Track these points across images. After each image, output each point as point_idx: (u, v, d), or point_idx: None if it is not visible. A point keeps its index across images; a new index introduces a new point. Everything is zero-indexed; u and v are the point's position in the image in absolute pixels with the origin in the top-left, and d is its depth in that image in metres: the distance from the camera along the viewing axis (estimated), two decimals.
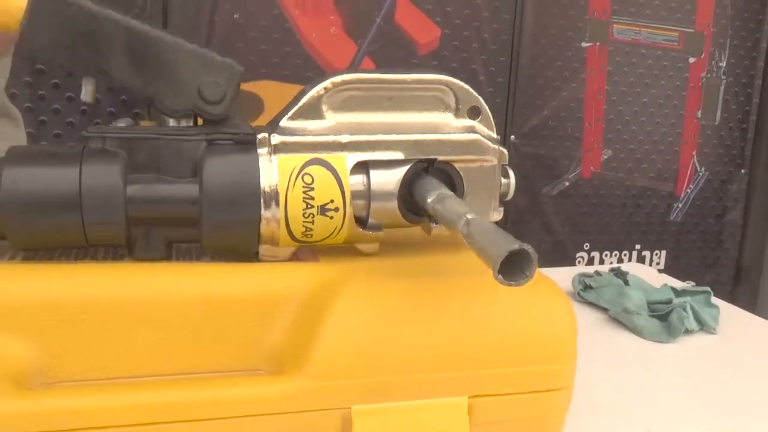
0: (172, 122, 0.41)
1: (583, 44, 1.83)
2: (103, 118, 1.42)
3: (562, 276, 0.84)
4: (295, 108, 0.41)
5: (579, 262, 1.94)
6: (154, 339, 0.38)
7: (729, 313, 0.76)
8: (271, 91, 1.49)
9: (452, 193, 0.40)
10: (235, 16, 1.47)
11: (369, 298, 0.39)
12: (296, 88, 1.61)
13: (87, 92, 0.40)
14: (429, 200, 0.39)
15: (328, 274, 0.41)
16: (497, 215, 0.45)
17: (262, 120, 0.44)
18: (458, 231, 0.35)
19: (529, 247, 0.31)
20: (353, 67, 1.59)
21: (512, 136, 1.78)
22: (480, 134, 0.43)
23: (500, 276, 0.32)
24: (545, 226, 1.89)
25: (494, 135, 0.44)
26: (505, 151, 0.44)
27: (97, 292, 0.37)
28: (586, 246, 1.94)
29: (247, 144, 0.40)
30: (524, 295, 0.41)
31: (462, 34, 1.67)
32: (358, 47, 1.59)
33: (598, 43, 1.84)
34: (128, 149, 0.39)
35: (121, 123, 0.41)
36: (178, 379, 0.38)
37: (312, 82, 0.41)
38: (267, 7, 1.50)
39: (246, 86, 1.51)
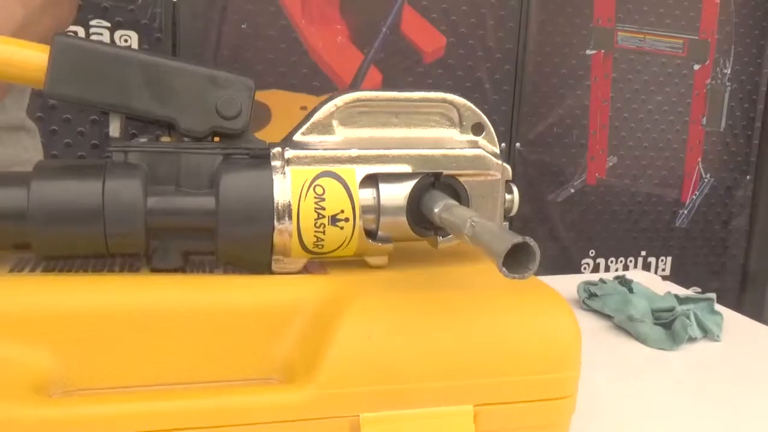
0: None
1: (588, 52, 1.84)
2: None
3: (568, 283, 0.84)
4: (308, 124, 0.43)
5: (584, 268, 1.94)
6: (169, 349, 0.39)
7: (733, 320, 0.76)
8: (278, 100, 1.51)
9: (459, 204, 0.41)
10: (243, 26, 1.49)
11: (377, 310, 0.40)
12: (303, 97, 1.64)
13: (114, 128, 0.42)
14: (436, 210, 0.40)
15: (338, 286, 0.42)
16: None
17: (270, 128, 0.46)
18: (464, 234, 0.36)
19: (532, 240, 0.32)
20: (359, 76, 1.60)
21: (518, 144, 1.79)
22: (484, 149, 0.44)
23: (504, 269, 0.32)
24: (551, 232, 1.90)
25: (497, 151, 0.45)
26: (508, 167, 0.45)
27: (114, 303, 0.39)
28: (592, 252, 1.95)
29: (262, 158, 0.41)
30: (528, 306, 0.42)
31: (467, 42, 1.69)
32: (364, 56, 1.60)
33: (602, 51, 1.85)
34: (149, 163, 0.41)
35: (143, 139, 0.43)
36: (192, 388, 0.38)
37: (324, 100, 0.43)
38: (274, 18, 1.51)
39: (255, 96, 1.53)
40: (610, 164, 1.92)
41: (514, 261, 0.32)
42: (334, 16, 1.57)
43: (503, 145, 1.76)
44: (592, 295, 0.80)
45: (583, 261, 1.95)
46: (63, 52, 0.40)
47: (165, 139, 0.43)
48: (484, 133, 0.45)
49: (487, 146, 0.45)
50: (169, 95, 0.41)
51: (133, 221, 0.39)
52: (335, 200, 0.41)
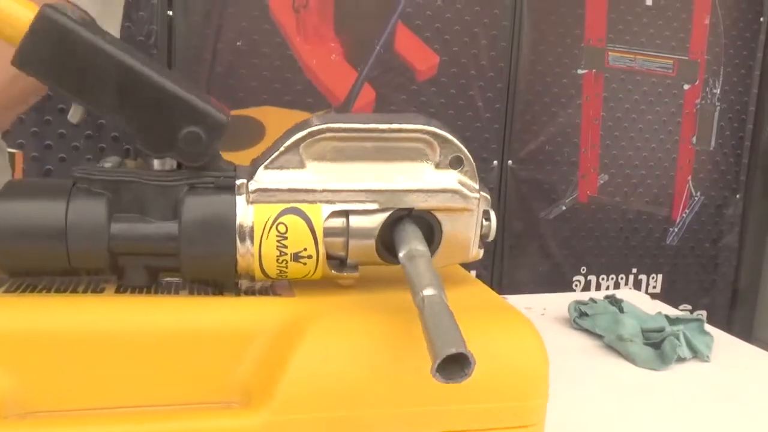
0: (157, 165, 0.41)
1: (579, 71, 1.86)
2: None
3: (559, 302, 0.85)
4: (273, 155, 0.41)
5: (576, 285, 1.95)
6: (128, 371, 0.38)
7: (722, 340, 0.77)
8: (272, 117, 1.52)
9: (424, 249, 0.39)
10: (238, 43, 1.50)
11: (338, 333, 0.39)
12: (297, 114, 1.66)
13: (74, 114, 0.41)
14: (401, 254, 0.40)
15: (302, 308, 0.41)
16: (477, 256, 0.45)
17: (264, 144, 0.45)
18: (414, 302, 0.35)
19: (468, 351, 0.32)
20: (353, 94, 1.62)
21: (509, 161, 1.80)
22: (461, 184, 0.43)
23: (437, 374, 0.32)
24: (542, 249, 1.91)
25: (476, 185, 0.43)
26: (487, 196, 0.44)
27: (73, 324, 0.38)
28: (583, 270, 1.96)
29: (227, 189, 0.41)
30: (495, 331, 0.41)
31: (460, 61, 1.70)
32: (358, 74, 1.61)
33: (594, 70, 1.87)
34: (114, 190, 0.40)
35: (108, 163, 0.41)
36: (148, 411, 0.38)
37: (292, 128, 0.41)
38: (269, 35, 1.53)
39: (248, 112, 1.54)
40: (601, 182, 1.94)
41: (450, 359, 0.32)
42: (328, 34, 1.59)
43: (495, 162, 1.78)
44: (582, 315, 0.81)
45: (575, 278, 1.95)
46: (44, 24, 0.38)
47: (130, 163, 0.42)
48: (463, 166, 0.43)
49: (466, 180, 0.43)
50: (135, 105, 0.40)
51: (96, 243, 0.39)
52: (298, 239, 0.40)
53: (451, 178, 0.42)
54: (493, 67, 1.74)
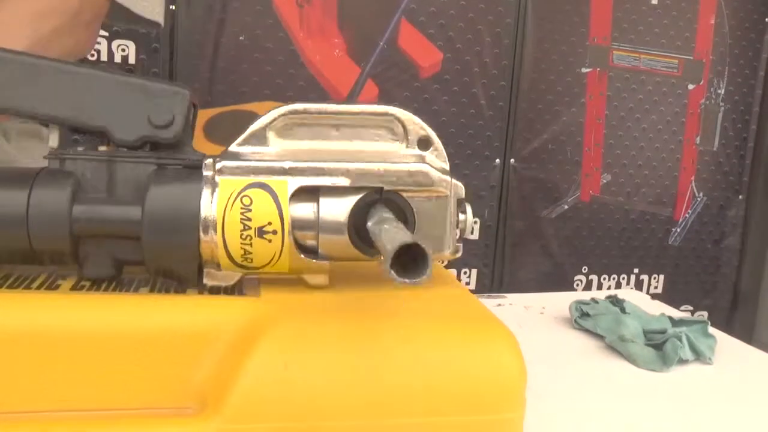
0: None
1: (584, 70, 1.85)
2: None
3: (560, 301, 0.84)
4: (243, 135, 0.41)
5: (577, 285, 1.95)
6: (77, 373, 0.36)
7: (725, 343, 0.76)
8: None
9: (394, 219, 0.39)
10: (241, 38, 1.49)
11: (296, 338, 0.37)
12: None
13: (53, 137, 0.42)
14: (369, 224, 0.39)
15: (265, 309, 0.39)
16: (455, 252, 0.44)
17: None
18: (376, 242, 0.35)
19: (424, 243, 0.30)
20: (356, 90, 1.61)
21: (512, 160, 1.80)
22: (430, 165, 0.42)
23: (392, 272, 0.30)
24: (544, 248, 1.90)
25: (446, 167, 0.43)
26: (460, 184, 0.43)
27: (20, 322, 0.36)
28: (585, 269, 1.95)
29: (195, 168, 0.41)
30: (467, 338, 0.39)
31: (464, 58, 1.70)
32: (361, 70, 1.61)
33: (598, 69, 1.87)
34: (83, 171, 0.41)
35: (81, 148, 0.42)
36: (89, 415, 0.36)
37: (264, 113, 0.43)
38: (272, 30, 1.52)
39: (250, 107, 1.53)
40: (604, 182, 1.93)
41: (409, 263, 0.31)
42: (332, 29, 1.58)
43: (497, 161, 1.77)
44: (584, 315, 0.80)
45: (576, 277, 1.95)
46: None
47: (102, 148, 0.42)
48: (431, 148, 0.43)
49: (435, 162, 0.43)
50: (99, 105, 0.41)
51: (57, 228, 0.39)
52: (262, 212, 0.39)
53: (419, 159, 0.43)
54: (497, 64, 1.74)
